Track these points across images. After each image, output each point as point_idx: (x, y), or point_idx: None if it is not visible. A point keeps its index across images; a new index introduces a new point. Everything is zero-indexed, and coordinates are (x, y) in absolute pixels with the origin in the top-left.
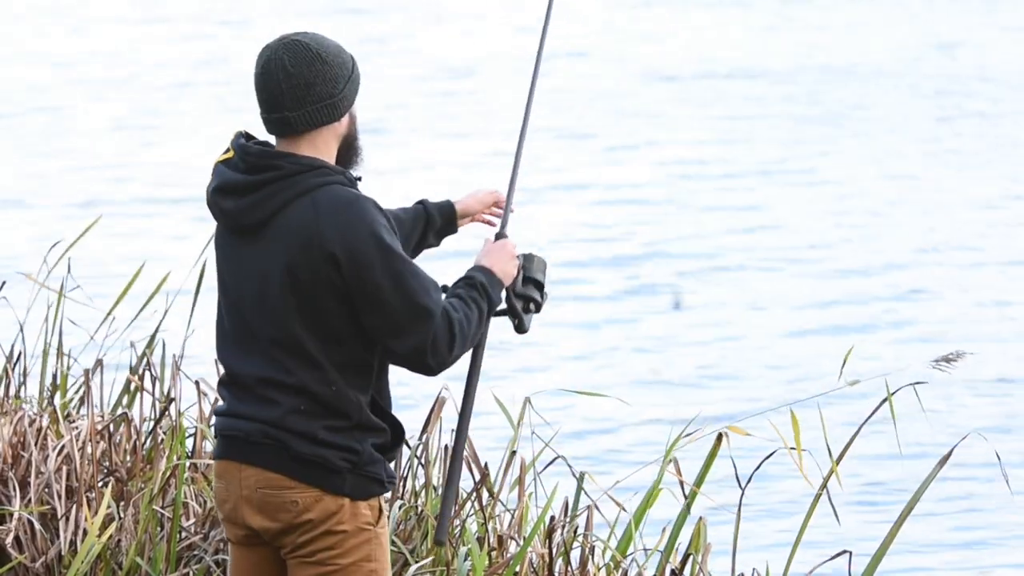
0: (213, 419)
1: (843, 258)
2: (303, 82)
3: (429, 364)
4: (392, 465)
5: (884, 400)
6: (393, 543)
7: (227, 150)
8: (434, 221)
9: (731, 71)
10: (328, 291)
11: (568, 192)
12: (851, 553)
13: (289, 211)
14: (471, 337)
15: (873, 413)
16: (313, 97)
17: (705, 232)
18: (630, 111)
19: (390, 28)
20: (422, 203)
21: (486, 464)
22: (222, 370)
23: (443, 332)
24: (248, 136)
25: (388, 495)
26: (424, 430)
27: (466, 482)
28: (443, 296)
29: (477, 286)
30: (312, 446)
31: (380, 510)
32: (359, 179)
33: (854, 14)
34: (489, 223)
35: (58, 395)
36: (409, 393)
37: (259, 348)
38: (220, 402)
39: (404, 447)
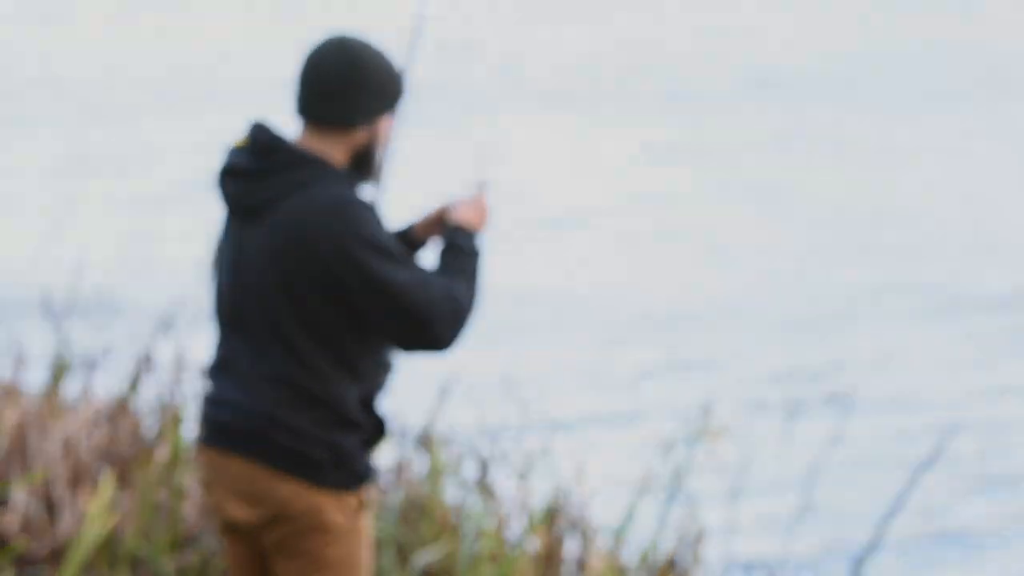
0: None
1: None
2: (326, 74)
3: (438, 349)
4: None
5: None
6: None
7: (244, 137)
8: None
9: None
10: (315, 287)
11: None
12: (848, 538)
13: (285, 202)
14: (472, 307)
15: (849, 398)
16: (328, 93)
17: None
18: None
19: None
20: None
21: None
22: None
23: (449, 317)
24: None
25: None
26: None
27: (468, 468)
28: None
29: (465, 253)
30: (296, 439)
31: (362, 501)
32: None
33: None
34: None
35: (61, 381)
36: (410, 377)
37: (250, 335)
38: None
39: (405, 434)
